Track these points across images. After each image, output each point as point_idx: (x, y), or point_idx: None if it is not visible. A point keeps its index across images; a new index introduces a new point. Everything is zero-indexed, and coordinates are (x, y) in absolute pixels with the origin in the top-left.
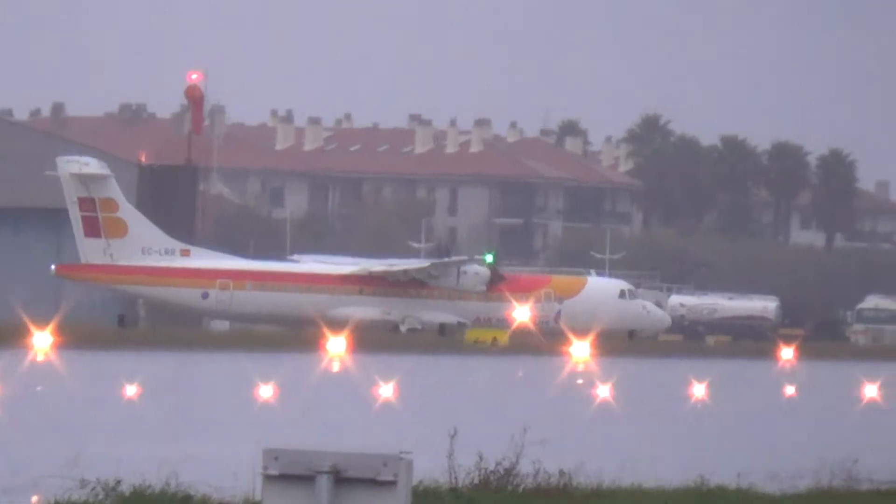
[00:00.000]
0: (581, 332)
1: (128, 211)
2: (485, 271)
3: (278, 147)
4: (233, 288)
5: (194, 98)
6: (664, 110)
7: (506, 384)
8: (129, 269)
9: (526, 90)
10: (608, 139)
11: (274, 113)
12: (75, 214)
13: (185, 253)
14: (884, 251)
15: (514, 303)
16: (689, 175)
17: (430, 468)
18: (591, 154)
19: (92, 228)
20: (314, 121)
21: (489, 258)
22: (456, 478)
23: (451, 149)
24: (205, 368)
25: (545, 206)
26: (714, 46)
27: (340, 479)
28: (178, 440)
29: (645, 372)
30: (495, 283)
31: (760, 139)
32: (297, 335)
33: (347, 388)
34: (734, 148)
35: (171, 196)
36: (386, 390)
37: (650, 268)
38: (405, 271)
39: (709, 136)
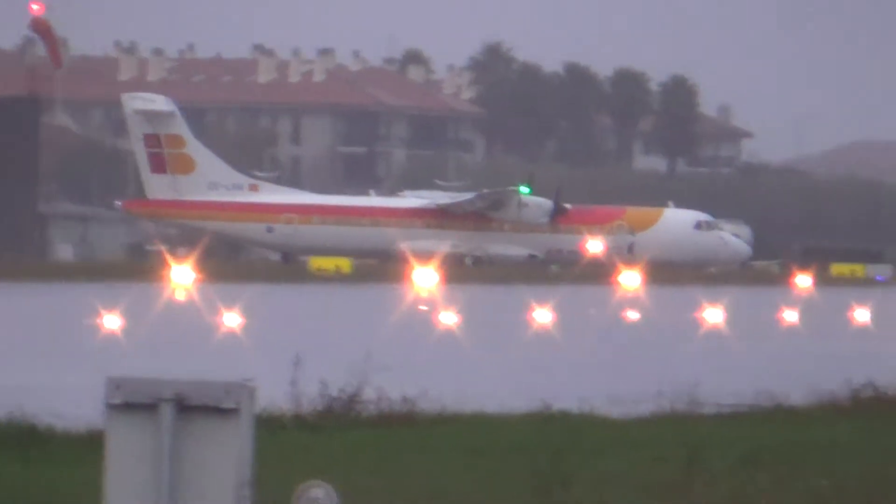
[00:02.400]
0: (656, 263)
1: (195, 147)
2: (547, 203)
3: (122, 78)
4: (298, 222)
5: (41, 30)
6: (506, 38)
7: (350, 313)
8: (196, 205)
9: (369, 19)
10: (451, 67)
11: (118, 44)
12: (141, 150)
13: (253, 188)
14: (725, 175)
15: (586, 235)
16: (531, 102)
17: (274, 396)
18: (435, 82)
19: (158, 164)
20: (157, 52)
21: (525, 189)
22: (300, 405)
23: (294, 78)
24: (47, 300)
25: (389, 135)
26: None
27: (183, 407)
28: (22, 371)
29: (489, 298)
30: (558, 214)
31: (603, 66)
32: (140, 266)
33: (192, 317)
34: (577, 75)
35: (13, 128)
36: (230, 319)
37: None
38: (471, 201)
39: (551, 64)
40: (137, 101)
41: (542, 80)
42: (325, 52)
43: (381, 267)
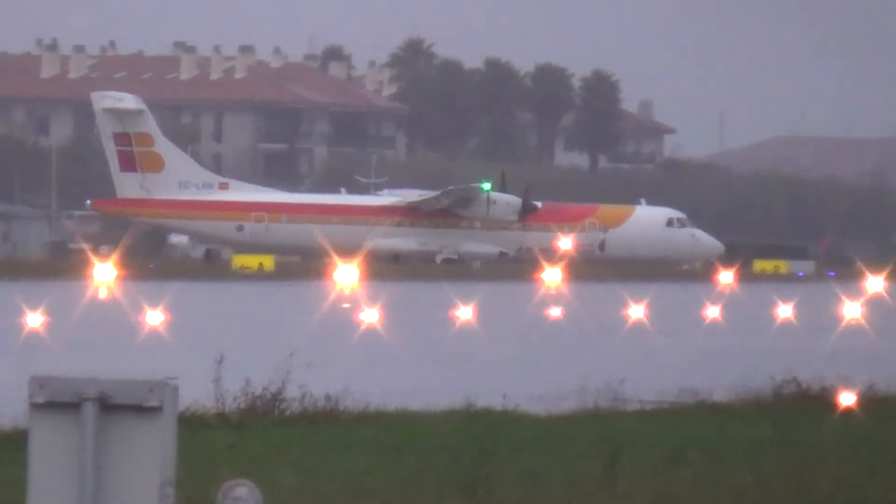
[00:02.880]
0: (626, 260)
1: (164, 145)
2: (516, 200)
3: (43, 75)
4: (268, 220)
5: None
6: (427, 34)
7: (274, 310)
8: (165, 203)
9: (290, 15)
10: (372, 63)
11: (39, 41)
12: (111, 149)
13: (223, 186)
14: (647, 171)
15: (557, 232)
16: (452, 98)
17: (197, 395)
18: (356, 79)
19: (128, 163)
20: (79, 49)
21: (486, 186)
22: (223, 403)
23: (215, 75)
24: None
25: (310, 131)
26: None
27: (107, 406)
28: None
29: (412, 295)
30: (527, 212)
31: (524, 62)
32: (63, 264)
33: (115, 315)
34: (497, 71)
35: None
36: (153, 317)
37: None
38: (437, 198)
39: (472, 60)
40: (107, 100)
41: (463, 76)
42: (246, 49)
43: (304, 264)
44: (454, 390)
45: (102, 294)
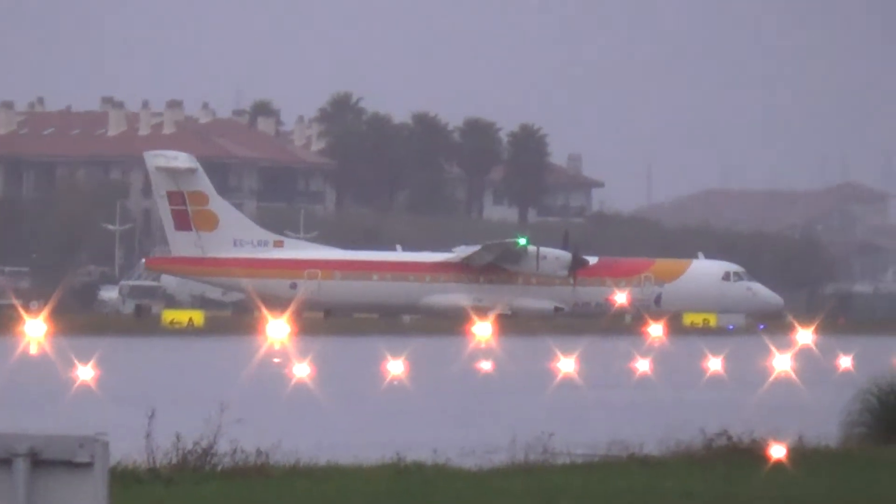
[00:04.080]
0: (683, 314)
1: (218, 203)
2: (565, 255)
3: None
4: (321, 277)
5: None
6: (356, 89)
7: (204, 365)
8: (219, 262)
9: (218, 71)
10: (300, 119)
11: None
12: (165, 208)
13: (278, 244)
14: (576, 225)
15: (612, 286)
16: (381, 153)
17: (128, 450)
18: (284, 134)
19: (182, 222)
20: (7, 105)
21: (522, 241)
22: (154, 458)
23: (143, 131)
24: None
25: (239, 186)
26: (402, 24)
27: (37, 462)
28: None
29: (342, 350)
30: (577, 267)
31: (452, 116)
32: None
33: (46, 370)
34: (426, 125)
35: None
36: (84, 372)
37: (343, 246)
38: (479, 254)
39: (401, 114)
40: (160, 159)
41: (391, 130)
42: (174, 105)
43: (235, 319)
44: (385, 444)
45: (33, 349)
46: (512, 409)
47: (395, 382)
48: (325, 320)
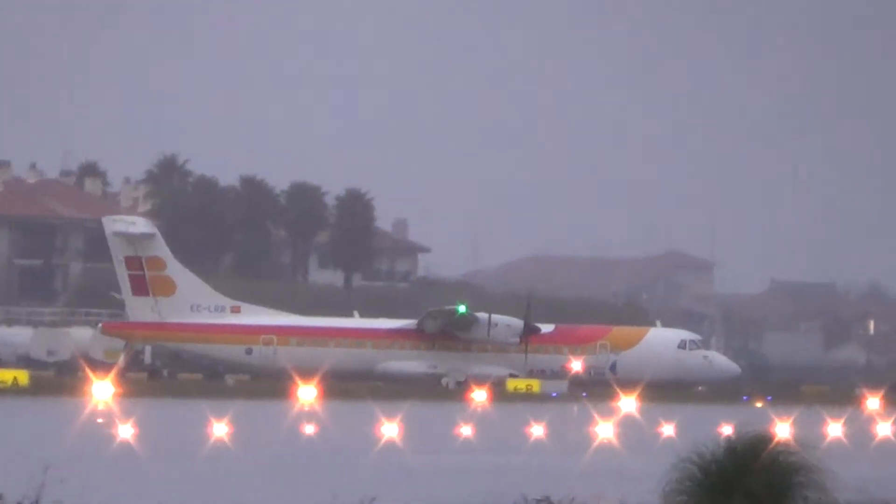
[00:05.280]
0: (638, 382)
1: (176, 269)
2: (517, 323)
3: None
4: (276, 343)
5: None
6: (182, 151)
7: (28, 425)
8: (175, 327)
9: (45, 131)
10: (127, 180)
11: None
12: (122, 273)
13: (235, 310)
14: (401, 289)
15: (568, 354)
16: (207, 215)
17: None
18: (111, 195)
19: (139, 287)
20: None
21: (461, 308)
22: None
23: None
24: None
25: (65, 247)
26: (227, 84)
27: None
28: None
29: (165, 411)
30: (529, 334)
31: (279, 180)
32: None
33: None
34: (253, 188)
35: None
36: None
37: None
38: (422, 321)
39: (228, 177)
40: (118, 224)
41: (218, 192)
42: (2, 165)
43: (59, 379)
44: None
45: None
46: (335, 471)
47: (219, 444)
48: (148, 382)
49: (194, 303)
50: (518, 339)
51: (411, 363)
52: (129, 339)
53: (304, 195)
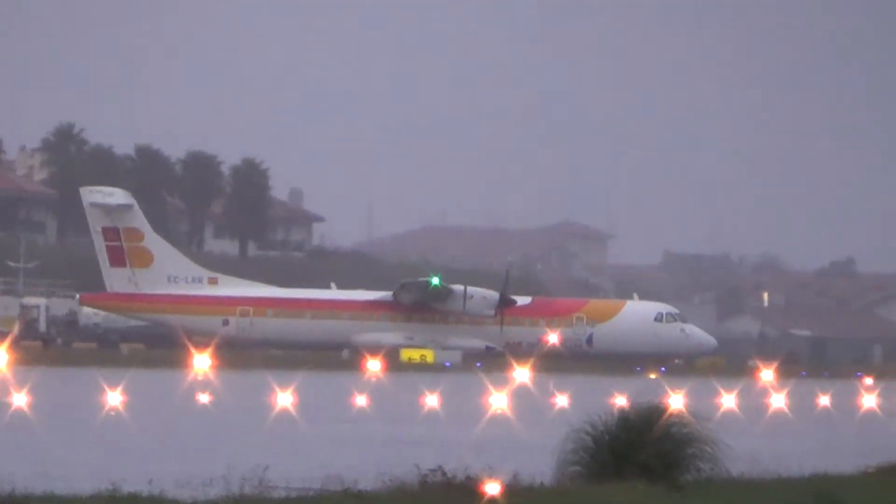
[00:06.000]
0: (615, 355)
1: (153, 240)
2: (492, 295)
3: None
4: (253, 315)
5: None
6: (79, 119)
7: None
8: (152, 298)
9: None
10: (22, 148)
11: None
12: (100, 244)
13: (212, 281)
14: (296, 259)
15: (544, 326)
16: (103, 184)
17: None
18: (6, 163)
19: (117, 258)
20: None
21: (435, 280)
22: None
23: None
24: None
25: None
26: (124, 55)
27: None
28: None
29: (58, 380)
30: (504, 306)
31: (175, 149)
32: None
33: None
34: (148, 157)
35: None
36: None
37: (63, 277)
38: (397, 293)
39: (124, 146)
40: (96, 195)
41: (114, 162)
42: None
43: None
44: (101, 475)
45: None
46: (228, 441)
47: (113, 413)
48: (43, 350)
49: (171, 274)
50: (493, 312)
51: (387, 335)
52: (106, 310)
53: (200, 164)
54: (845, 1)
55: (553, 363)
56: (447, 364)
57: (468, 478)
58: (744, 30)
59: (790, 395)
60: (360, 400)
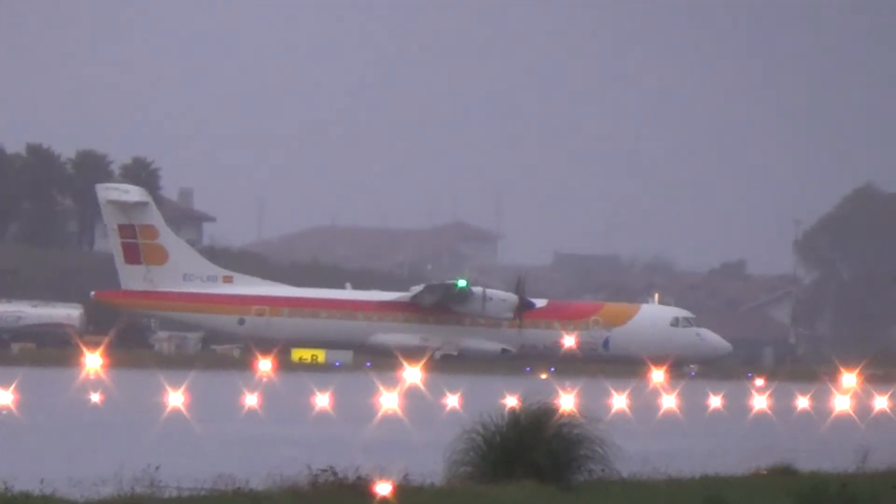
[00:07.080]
0: (631, 358)
1: (168, 238)
2: (512, 297)
3: None
4: (269, 314)
5: None
6: None
7: None
8: (168, 296)
9: None
10: None
11: None
12: (115, 241)
13: (227, 280)
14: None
15: (560, 330)
16: None
17: None
18: None
19: (132, 255)
20: None
21: (461, 283)
22: None
23: None
24: None
25: None
26: (13, 52)
27: None
28: None
29: None
30: (523, 309)
31: (65, 148)
32: None
33: None
34: (39, 156)
35: None
36: None
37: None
38: (420, 294)
39: (14, 145)
40: (112, 192)
41: (4, 161)
42: None
43: None
44: None
45: None
46: (120, 440)
47: (3, 412)
48: None
49: (186, 272)
50: (512, 315)
51: (403, 336)
52: (121, 307)
53: (91, 163)
54: None
55: (443, 365)
56: (337, 364)
57: (359, 478)
58: (614, 29)
59: (681, 396)
60: (251, 399)
